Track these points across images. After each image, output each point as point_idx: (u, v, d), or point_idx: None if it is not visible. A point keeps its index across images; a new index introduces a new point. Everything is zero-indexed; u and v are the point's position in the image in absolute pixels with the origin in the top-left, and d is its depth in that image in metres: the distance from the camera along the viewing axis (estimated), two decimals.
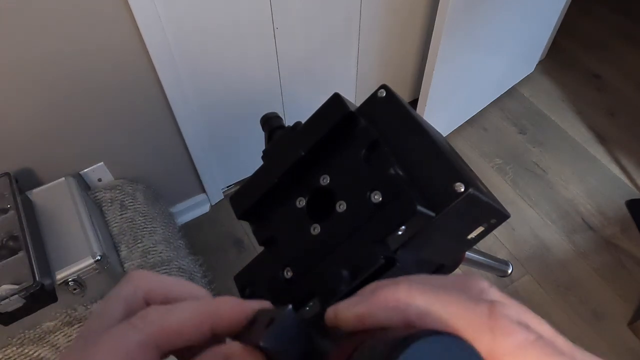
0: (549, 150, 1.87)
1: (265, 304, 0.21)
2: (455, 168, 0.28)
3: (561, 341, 0.17)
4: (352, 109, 0.32)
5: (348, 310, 0.18)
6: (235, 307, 0.20)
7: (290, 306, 0.18)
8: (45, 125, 1.12)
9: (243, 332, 0.19)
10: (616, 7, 2.45)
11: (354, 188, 0.30)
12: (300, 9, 1.29)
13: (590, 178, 1.78)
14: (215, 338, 0.20)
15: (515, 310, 0.16)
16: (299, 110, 1.55)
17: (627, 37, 2.30)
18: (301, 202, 0.33)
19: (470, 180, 0.28)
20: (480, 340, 0.15)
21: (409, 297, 0.17)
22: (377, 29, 1.53)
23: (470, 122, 1.96)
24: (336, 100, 0.32)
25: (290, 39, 1.34)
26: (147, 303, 0.21)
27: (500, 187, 1.76)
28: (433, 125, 0.37)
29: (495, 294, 0.18)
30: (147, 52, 1.10)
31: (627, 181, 1.76)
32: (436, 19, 1.37)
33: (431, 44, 1.44)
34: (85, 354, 0.18)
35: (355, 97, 1.71)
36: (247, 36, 1.26)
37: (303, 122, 0.35)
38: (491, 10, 1.49)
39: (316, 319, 0.19)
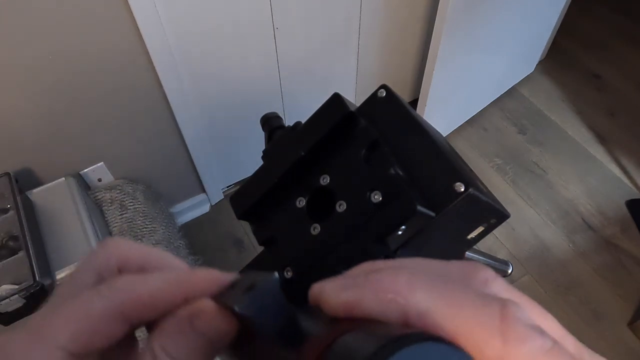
0: (549, 150, 1.87)
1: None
2: (455, 168, 0.28)
3: (571, 342, 0.15)
4: (352, 109, 0.32)
5: (336, 295, 0.15)
6: (212, 278, 0.19)
7: (276, 274, 0.17)
8: (46, 125, 1.12)
9: (219, 295, 0.18)
10: (616, 7, 2.44)
11: (354, 188, 0.30)
12: (300, 9, 1.29)
13: (590, 178, 1.78)
14: None
15: (528, 310, 0.15)
16: (299, 110, 1.55)
17: (627, 37, 2.30)
18: (301, 202, 0.33)
19: (470, 180, 0.28)
20: (489, 346, 0.13)
21: (409, 290, 0.14)
22: (377, 29, 1.53)
23: (470, 122, 1.96)
24: (336, 100, 0.32)
25: (290, 39, 1.34)
26: (121, 272, 0.20)
27: (500, 187, 1.76)
28: (433, 125, 0.37)
29: (500, 285, 0.16)
30: (147, 52, 1.10)
31: (627, 181, 1.76)
32: (436, 19, 1.37)
33: (431, 44, 1.44)
34: (44, 321, 0.17)
35: (355, 97, 1.71)
36: (247, 36, 1.26)
37: (303, 122, 0.35)
38: (491, 10, 1.49)
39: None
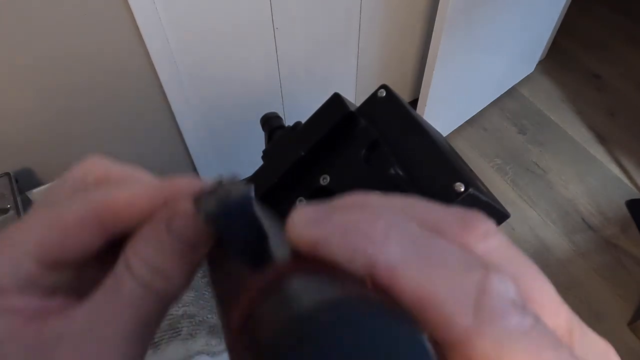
0: (549, 150, 1.87)
1: None
2: (455, 168, 0.28)
3: (564, 317, 0.14)
4: (352, 109, 0.32)
5: (302, 230, 0.13)
6: (193, 185, 0.17)
7: (252, 186, 0.15)
8: (46, 125, 1.12)
9: (194, 200, 0.16)
10: (616, 7, 2.44)
11: (354, 188, 0.30)
12: (300, 9, 1.29)
13: (590, 178, 1.78)
14: None
15: (522, 278, 0.13)
16: (299, 110, 1.55)
17: (627, 37, 2.30)
18: (301, 202, 0.33)
19: (470, 180, 0.28)
20: (458, 321, 0.11)
21: (383, 240, 0.12)
22: (377, 29, 1.53)
23: (470, 122, 1.96)
24: (336, 100, 0.32)
25: (290, 39, 1.34)
26: None
27: (500, 187, 1.76)
28: (433, 125, 0.37)
29: (499, 242, 0.14)
30: (147, 52, 1.10)
31: (627, 181, 1.76)
32: (436, 19, 1.37)
33: (431, 44, 1.44)
34: (13, 229, 0.16)
35: (355, 97, 1.71)
36: (247, 36, 1.26)
37: (303, 122, 0.35)
38: (491, 10, 1.49)
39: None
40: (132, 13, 1.01)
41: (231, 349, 0.13)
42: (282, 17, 1.27)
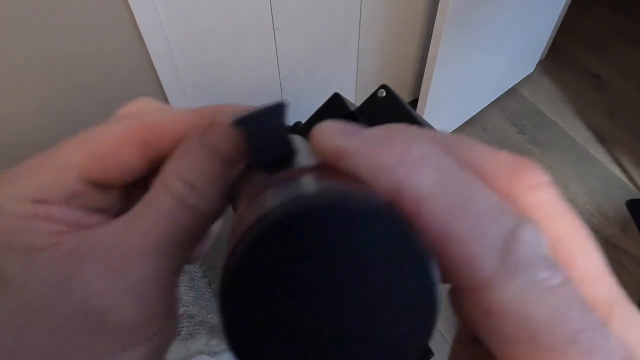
0: (549, 150, 1.87)
1: None
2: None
3: (605, 286, 0.13)
4: (352, 108, 0.32)
5: (329, 138, 0.13)
6: (234, 107, 0.17)
7: (286, 103, 0.15)
8: (45, 125, 1.12)
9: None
10: (616, 7, 2.44)
11: None
12: (300, 9, 1.29)
13: (590, 178, 1.78)
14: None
15: (562, 237, 0.12)
16: (298, 110, 1.55)
17: (627, 37, 2.30)
18: None
19: None
20: (481, 264, 0.10)
21: (415, 166, 0.11)
22: (377, 29, 1.53)
23: (470, 122, 1.96)
24: (336, 100, 0.32)
25: (290, 39, 1.34)
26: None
27: None
28: (433, 125, 0.37)
29: (551, 195, 0.13)
30: (147, 52, 1.10)
31: (627, 181, 1.76)
32: (436, 19, 1.37)
33: (431, 44, 1.44)
34: (57, 146, 0.16)
35: (355, 97, 1.71)
36: (246, 36, 1.26)
37: (303, 122, 0.34)
38: (491, 10, 1.49)
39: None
40: (132, 13, 1.01)
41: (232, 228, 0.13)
42: (282, 17, 1.27)
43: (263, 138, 0.15)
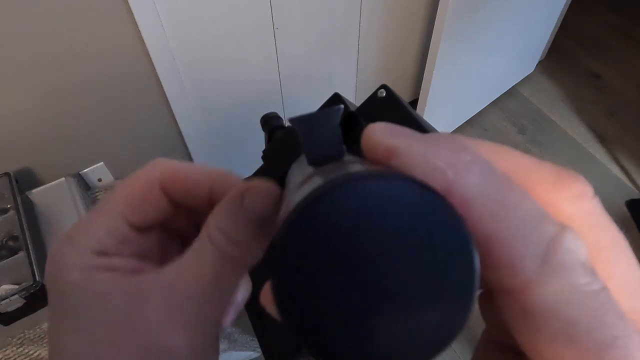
0: (549, 150, 1.87)
1: None
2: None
3: None
4: (352, 109, 0.32)
5: (383, 136, 0.13)
6: (237, 179, 0.20)
7: (342, 107, 0.16)
8: (46, 125, 1.12)
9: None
10: (616, 7, 2.44)
11: None
12: (300, 9, 1.29)
13: (590, 178, 1.76)
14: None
15: (603, 248, 0.12)
16: (298, 110, 1.54)
17: (627, 37, 2.30)
18: None
19: None
20: (523, 265, 0.11)
21: (466, 169, 0.12)
22: (377, 29, 1.53)
23: (470, 122, 1.96)
24: (336, 100, 0.32)
25: (290, 39, 1.34)
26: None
27: None
28: (433, 125, 0.37)
29: (594, 207, 0.13)
30: (147, 53, 1.10)
31: (627, 181, 1.76)
32: (436, 19, 1.37)
33: (431, 44, 1.44)
34: (104, 199, 0.20)
35: (355, 97, 1.71)
36: (247, 36, 1.26)
37: None
38: (491, 10, 1.49)
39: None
40: (132, 13, 1.01)
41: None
42: (282, 17, 1.27)
43: (316, 136, 0.15)
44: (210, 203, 0.20)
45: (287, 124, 0.46)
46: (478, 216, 0.11)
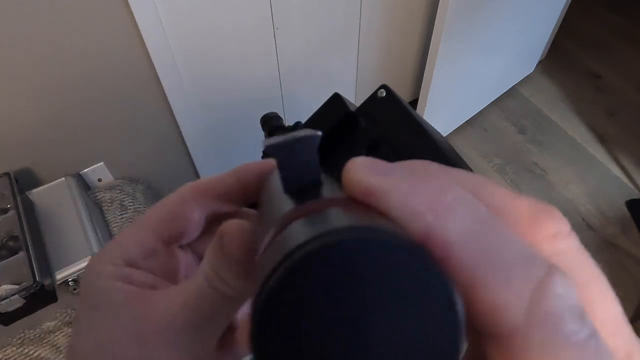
0: (549, 150, 1.87)
1: None
2: (455, 168, 0.28)
3: (625, 335, 0.13)
4: (352, 109, 0.32)
5: (362, 176, 0.13)
6: (261, 164, 0.21)
7: (320, 132, 0.15)
8: (46, 125, 1.12)
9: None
10: (616, 7, 2.44)
11: None
12: (300, 9, 1.29)
13: (590, 178, 1.78)
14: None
15: (585, 286, 0.12)
16: (299, 110, 1.55)
17: (627, 37, 2.30)
18: None
19: None
20: (507, 314, 0.10)
21: (447, 212, 0.11)
22: (377, 29, 1.53)
23: (470, 122, 1.96)
24: (336, 100, 0.32)
25: (290, 38, 1.34)
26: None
27: None
28: (433, 125, 0.37)
29: (571, 245, 0.13)
30: (147, 52, 1.10)
31: (627, 181, 1.76)
32: (436, 19, 1.37)
33: (431, 44, 1.44)
34: (139, 217, 0.21)
35: (355, 97, 1.71)
36: (247, 36, 1.26)
37: (303, 122, 0.35)
38: (491, 10, 1.49)
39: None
40: (132, 13, 1.01)
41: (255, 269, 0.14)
42: (282, 17, 1.27)
43: (293, 165, 0.15)
44: (245, 199, 0.22)
45: (286, 124, 0.46)
46: (460, 261, 0.11)
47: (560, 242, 0.13)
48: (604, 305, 0.13)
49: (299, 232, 0.11)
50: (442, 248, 0.11)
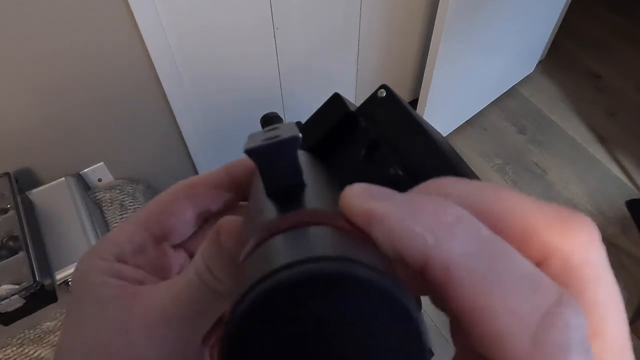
0: (549, 150, 1.87)
1: None
2: (455, 168, 0.28)
3: None
4: (352, 109, 0.32)
5: (359, 201, 0.12)
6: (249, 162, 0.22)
7: (299, 135, 0.15)
8: (46, 125, 1.12)
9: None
10: (616, 7, 2.45)
11: None
12: (300, 9, 1.29)
13: (590, 178, 1.78)
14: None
15: (594, 308, 0.12)
16: (299, 110, 1.55)
17: (627, 37, 2.30)
18: None
19: None
20: (511, 346, 0.10)
21: (447, 234, 0.11)
22: (377, 29, 1.53)
23: (470, 122, 1.96)
24: (336, 100, 0.32)
25: (290, 39, 1.34)
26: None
27: None
28: (433, 125, 0.37)
29: (598, 256, 0.12)
30: (147, 52, 1.10)
31: (627, 181, 1.76)
32: (436, 19, 1.37)
33: (431, 44, 1.44)
34: (131, 216, 0.22)
35: (355, 97, 1.71)
36: (247, 36, 1.26)
37: (303, 122, 0.35)
38: (491, 10, 1.49)
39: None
40: (132, 13, 1.01)
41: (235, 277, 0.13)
42: (282, 17, 1.27)
43: (273, 169, 0.15)
44: (238, 194, 0.22)
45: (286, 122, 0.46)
46: (462, 287, 0.10)
47: (591, 252, 0.12)
48: (615, 326, 0.12)
49: (274, 254, 0.11)
50: (443, 271, 0.11)
